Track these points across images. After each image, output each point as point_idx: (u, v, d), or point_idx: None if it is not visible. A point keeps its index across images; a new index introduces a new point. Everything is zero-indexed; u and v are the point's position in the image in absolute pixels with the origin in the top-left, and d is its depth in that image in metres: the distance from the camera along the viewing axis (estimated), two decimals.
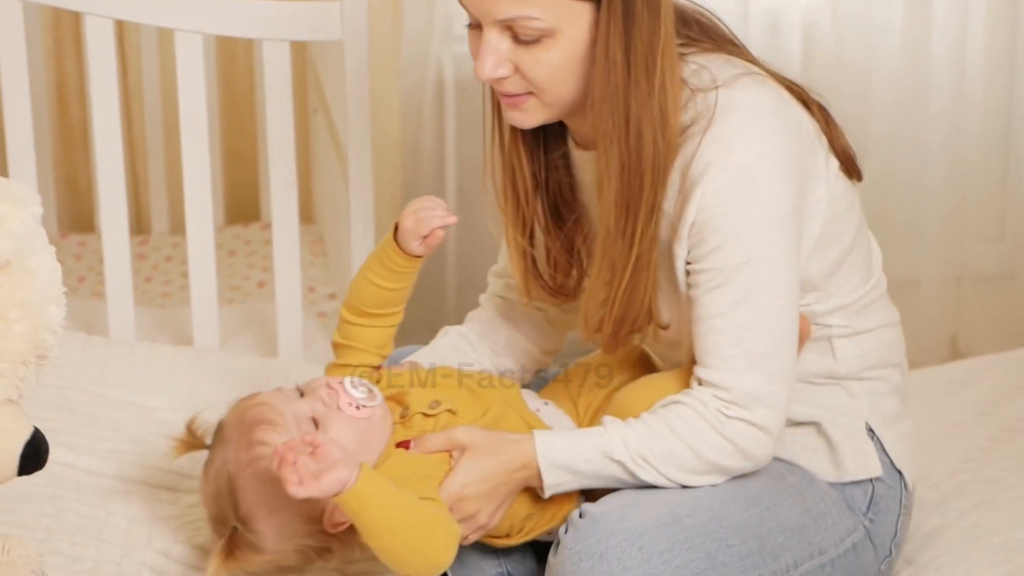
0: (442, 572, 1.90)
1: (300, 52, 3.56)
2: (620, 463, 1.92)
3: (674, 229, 1.91)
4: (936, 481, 2.32)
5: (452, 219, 1.99)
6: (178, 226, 3.76)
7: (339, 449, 1.81)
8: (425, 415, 1.99)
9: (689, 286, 1.93)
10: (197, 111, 2.71)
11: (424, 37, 3.49)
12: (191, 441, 2.00)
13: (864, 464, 2.02)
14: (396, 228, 2.01)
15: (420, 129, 3.56)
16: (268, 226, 3.78)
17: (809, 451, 2.03)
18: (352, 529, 1.88)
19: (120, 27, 3.48)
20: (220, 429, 1.97)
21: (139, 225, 3.69)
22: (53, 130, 3.63)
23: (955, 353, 3.69)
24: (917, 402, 2.39)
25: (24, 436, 1.75)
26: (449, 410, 1.99)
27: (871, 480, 2.03)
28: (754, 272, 1.88)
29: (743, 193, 1.87)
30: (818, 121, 1.98)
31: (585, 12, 1.85)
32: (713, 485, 1.95)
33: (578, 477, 1.94)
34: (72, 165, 3.71)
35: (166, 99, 3.65)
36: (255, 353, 2.86)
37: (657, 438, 1.92)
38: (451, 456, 1.95)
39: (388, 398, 2.00)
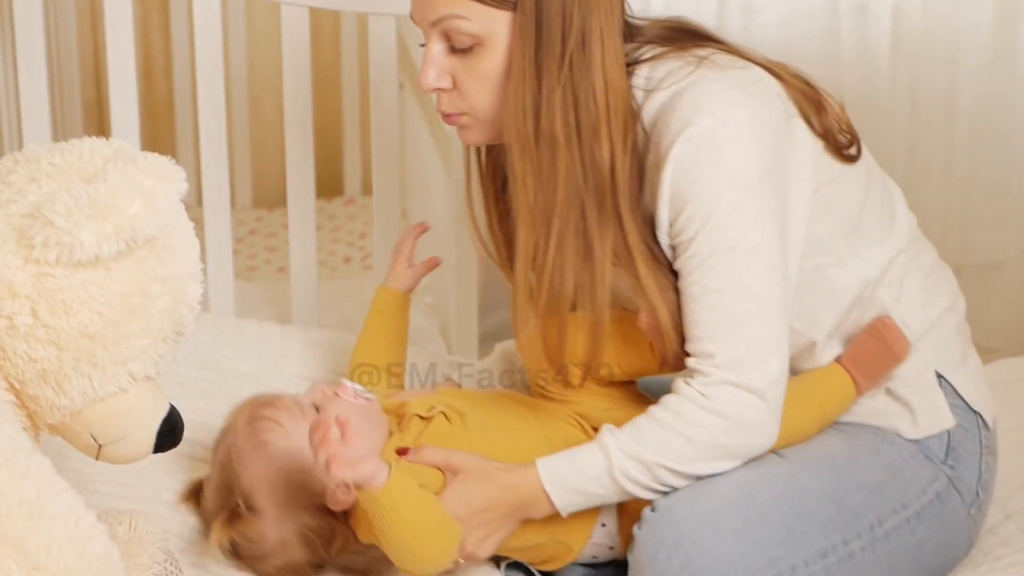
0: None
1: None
2: (625, 474, 1.91)
3: (656, 216, 1.93)
4: None
5: None
6: (261, 199, 3.76)
7: (366, 444, 1.88)
8: (421, 417, 2.03)
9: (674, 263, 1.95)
10: (302, 85, 2.69)
11: None
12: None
13: (936, 418, 2.01)
14: None
15: None
16: (352, 200, 3.77)
17: (884, 415, 2.02)
18: (354, 512, 1.96)
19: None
20: (228, 416, 2.06)
21: None
22: (138, 103, 3.62)
23: None
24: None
25: (161, 413, 1.75)
26: (443, 412, 2.04)
27: (946, 430, 2.02)
28: (724, 236, 1.89)
29: (705, 160, 1.88)
30: (796, 96, 1.98)
31: (507, 21, 1.89)
32: (772, 459, 1.94)
33: (591, 498, 1.94)
34: (155, 136, 3.70)
35: (251, 72, 3.64)
36: (352, 330, 2.84)
37: (647, 436, 1.91)
38: (444, 476, 1.98)
39: (386, 409, 2.07)
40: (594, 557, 2.07)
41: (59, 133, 3.08)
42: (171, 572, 1.85)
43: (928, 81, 3.37)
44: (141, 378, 1.70)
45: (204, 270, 2.74)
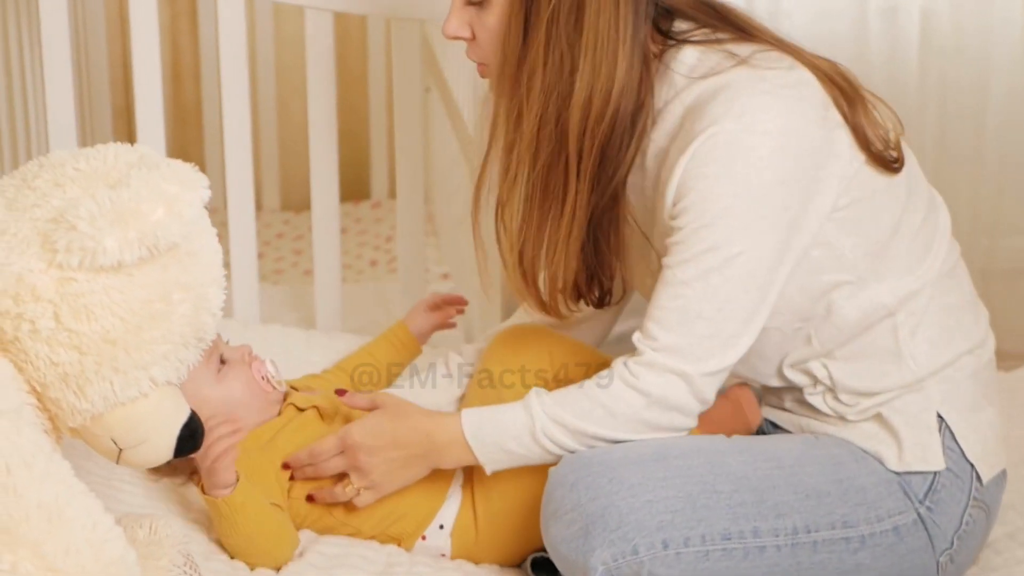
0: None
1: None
2: (548, 435, 1.96)
3: (662, 194, 1.96)
4: None
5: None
6: (288, 203, 3.77)
7: (230, 460, 1.97)
8: (298, 408, 2.13)
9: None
10: (326, 89, 2.70)
11: None
12: None
13: (924, 456, 1.99)
14: None
15: None
16: (379, 204, 3.79)
17: (871, 439, 2.01)
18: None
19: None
20: None
21: None
22: (167, 107, 3.64)
23: None
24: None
25: (182, 418, 1.76)
26: (317, 408, 2.12)
27: (934, 472, 1.99)
28: (709, 237, 1.91)
29: (717, 160, 1.90)
30: (840, 103, 1.97)
31: None
32: (714, 438, 1.99)
33: (513, 456, 1.99)
34: (184, 142, 3.72)
35: (279, 76, 3.65)
36: (377, 334, 2.85)
37: (571, 402, 1.96)
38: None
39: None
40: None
41: (88, 139, 3.10)
42: (190, 575, 1.86)
43: (958, 80, 3.35)
44: (162, 383, 1.72)
45: (229, 274, 2.78)
